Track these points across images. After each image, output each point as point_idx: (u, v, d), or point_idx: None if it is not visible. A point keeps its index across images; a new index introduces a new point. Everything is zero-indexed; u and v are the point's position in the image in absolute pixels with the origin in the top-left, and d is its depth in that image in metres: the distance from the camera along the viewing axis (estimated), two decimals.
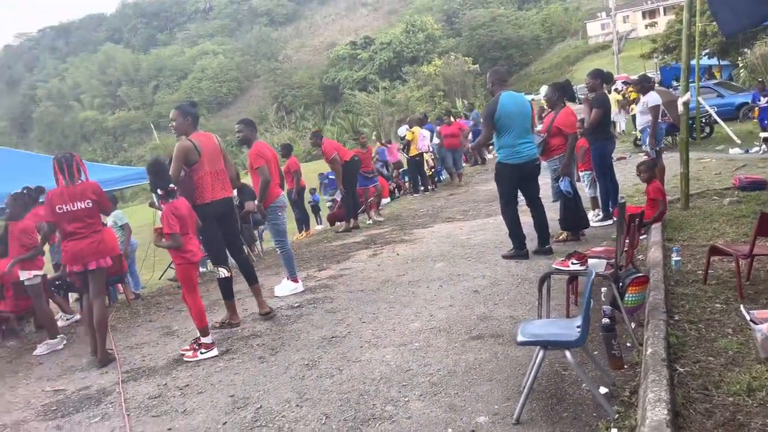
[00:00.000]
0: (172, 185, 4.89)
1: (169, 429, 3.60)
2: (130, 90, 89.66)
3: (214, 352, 4.84)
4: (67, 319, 7.14)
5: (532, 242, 6.39)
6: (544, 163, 6.73)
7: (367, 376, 3.89)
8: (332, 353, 4.43)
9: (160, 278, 10.30)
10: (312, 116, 65.85)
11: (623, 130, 18.29)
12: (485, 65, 58.84)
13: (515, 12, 73.30)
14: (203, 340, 4.89)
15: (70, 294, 7.84)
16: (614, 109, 22.10)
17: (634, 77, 29.41)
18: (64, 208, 5.06)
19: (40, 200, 6.41)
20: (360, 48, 71.27)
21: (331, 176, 13.75)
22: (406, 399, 3.47)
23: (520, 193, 6.43)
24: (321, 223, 14.70)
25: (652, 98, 8.06)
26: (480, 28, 66.40)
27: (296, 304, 5.97)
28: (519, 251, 6.32)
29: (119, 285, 8.00)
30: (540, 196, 6.45)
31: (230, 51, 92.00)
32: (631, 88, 26.10)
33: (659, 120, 8.02)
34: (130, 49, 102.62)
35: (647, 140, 8.21)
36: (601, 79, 7.22)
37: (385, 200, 13.73)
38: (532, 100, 34.31)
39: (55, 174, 5.12)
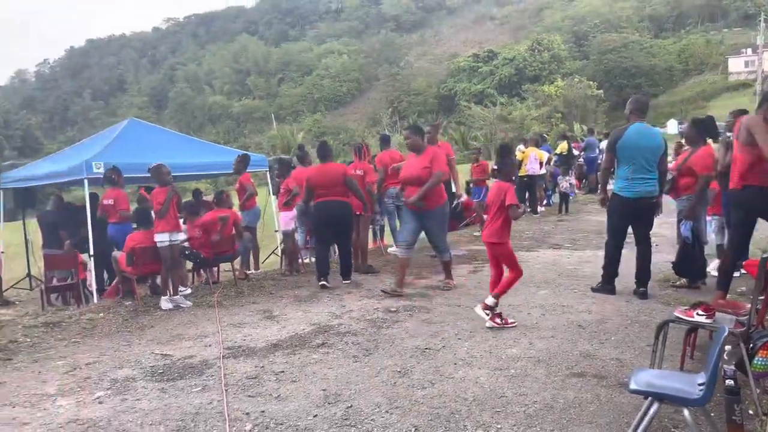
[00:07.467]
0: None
1: (263, 411, 3.71)
2: (257, 80, 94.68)
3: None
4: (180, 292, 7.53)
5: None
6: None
7: (460, 394, 3.82)
8: (425, 365, 4.39)
9: (262, 262, 10.69)
10: (424, 123, 66.22)
11: None
12: (610, 91, 56.38)
13: (650, 40, 69.51)
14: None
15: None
16: None
17: None
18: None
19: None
20: (482, 61, 70.72)
21: None
22: (499, 426, 3.37)
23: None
24: None
25: None
26: (610, 52, 63.55)
27: (393, 308, 5.99)
28: (606, 286, 6.23)
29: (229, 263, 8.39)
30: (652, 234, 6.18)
31: (355, 52, 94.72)
32: None
33: None
34: (263, 42, 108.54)
35: None
36: None
37: None
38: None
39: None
